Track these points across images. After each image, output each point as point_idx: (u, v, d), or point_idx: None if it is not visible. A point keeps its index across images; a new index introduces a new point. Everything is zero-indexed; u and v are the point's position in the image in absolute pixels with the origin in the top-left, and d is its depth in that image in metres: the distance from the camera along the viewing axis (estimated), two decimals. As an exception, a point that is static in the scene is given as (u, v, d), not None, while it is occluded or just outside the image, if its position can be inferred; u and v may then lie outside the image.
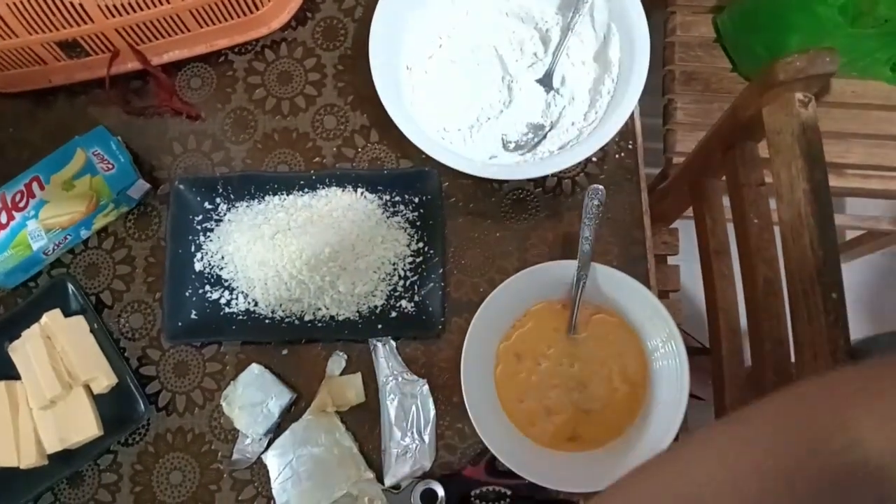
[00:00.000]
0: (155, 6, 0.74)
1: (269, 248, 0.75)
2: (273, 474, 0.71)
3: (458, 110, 0.79)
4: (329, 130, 0.82)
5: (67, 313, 0.75)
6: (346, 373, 0.74)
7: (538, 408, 0.70)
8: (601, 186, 0.71)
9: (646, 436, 0.68)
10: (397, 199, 0.78)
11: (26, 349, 0.73)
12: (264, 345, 0.76)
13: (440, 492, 0.69)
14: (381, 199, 0.78)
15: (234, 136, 0.83)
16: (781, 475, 0.38)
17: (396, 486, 0.70)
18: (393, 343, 0.74)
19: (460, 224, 0.79)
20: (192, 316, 0.75)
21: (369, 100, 0.79)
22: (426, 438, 0.71)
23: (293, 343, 0.76)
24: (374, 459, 0.72)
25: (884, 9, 0.96)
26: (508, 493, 0.70)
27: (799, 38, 1.02)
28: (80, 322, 0.75)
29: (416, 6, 0.80)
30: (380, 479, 0.71)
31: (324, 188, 0.78)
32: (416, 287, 0.75)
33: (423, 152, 0.74)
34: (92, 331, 0.75)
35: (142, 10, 0.74)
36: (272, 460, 0.71)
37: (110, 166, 0.78)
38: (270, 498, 0.71)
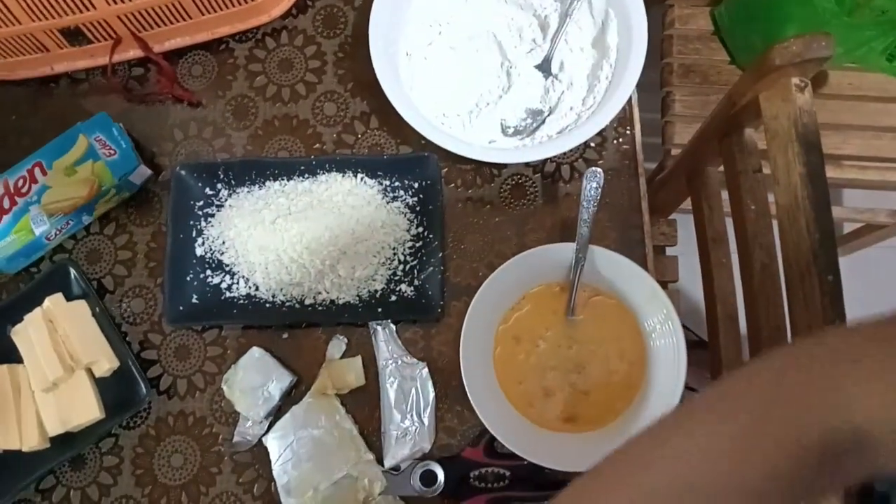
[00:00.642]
0: (157, -7, 0.74)
1: (270, 233, 0.75)
2: (273, 456, 0.71)
3: (457, 96, 0.80)
4: (329, 117, 0.83)
5: (69, 298, 0.75)
6: (347, 356, 0.75)
7: (537, 389, 0.71)
8: (599, 169, 0.71)
9: (643, 416, 0.68)
10: (397, 184, 0.78)
11: (29, 333, 0.73)
12: (265, 329, 0.76)
13: (440, 473, 0.70)
14: (380, 184, 0.78)
15: (235, 122, 0.84)
16: (764, 455, 0.38)
17: (396, 468, 0.71)
18: (393, 327, 0.75)
19: (459, 209, 0.79)
20: (194, 300, 0.76)
21: (369, 87, 0.80)
22: (426, 421, 0.72)
23: (294, 327, 0.76)
24: (373, 441, 0.73)
25: (880, -1, 0.97)
26: (507, 474, 0.70)
27: (796, 28, 1.03)
28: (82, 306, 0.75)
29: (416, -7, 0.81)
30: (379, 460, 0.71)
31: (324, 174, 0.78)
32: (415, 271, 0.76)
33: (422, 139, 0.74)
34: (94, 315, 0.75)
35: (144, -4, 0.74)
36: (273, 443, 0.72)
37: (112, 152, 0.78)
38: (271, 480, 0.71)
